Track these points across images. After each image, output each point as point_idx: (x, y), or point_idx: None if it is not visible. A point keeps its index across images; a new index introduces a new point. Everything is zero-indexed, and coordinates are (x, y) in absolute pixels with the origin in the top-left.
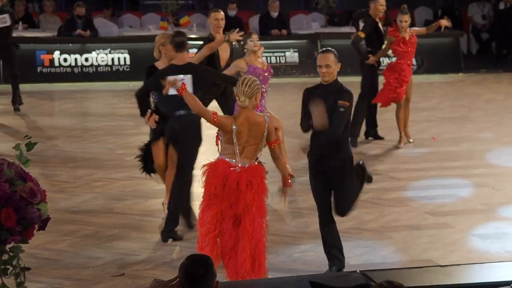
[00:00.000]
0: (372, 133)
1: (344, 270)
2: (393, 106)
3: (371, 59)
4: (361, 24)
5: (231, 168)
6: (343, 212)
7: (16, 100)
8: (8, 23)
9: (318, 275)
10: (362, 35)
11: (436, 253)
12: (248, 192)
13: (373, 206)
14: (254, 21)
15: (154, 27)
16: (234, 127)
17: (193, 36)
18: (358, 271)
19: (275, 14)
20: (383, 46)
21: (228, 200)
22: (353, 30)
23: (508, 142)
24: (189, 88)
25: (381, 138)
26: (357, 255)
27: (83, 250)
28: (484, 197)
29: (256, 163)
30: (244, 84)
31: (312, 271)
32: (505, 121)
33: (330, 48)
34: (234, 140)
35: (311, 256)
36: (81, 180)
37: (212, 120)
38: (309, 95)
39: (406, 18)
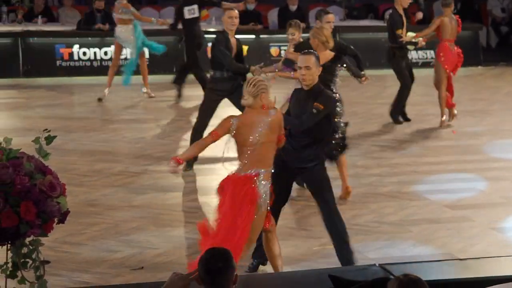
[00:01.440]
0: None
1: (363, 263)
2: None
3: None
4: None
5: None
6: None
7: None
8: (197, 14)
9: (337, 268)
10: (400, 31)
11: (455, 247)
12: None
13: (392, 200)
14: (272, 15)
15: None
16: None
17: (211, 29)
18: (377, 264)
19: (294, 8)
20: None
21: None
22: (373, 23)
23: None
24: None
25: (409, 120)
26: (376, 249)
27: (102, 244)
28: (504, 190)
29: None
30: (250, 83)
31: (332, 264)
32: None
33: (312, 51)
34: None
35: (331, 250)
36: (100, 173)
37: None
38: (293, 95)
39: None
